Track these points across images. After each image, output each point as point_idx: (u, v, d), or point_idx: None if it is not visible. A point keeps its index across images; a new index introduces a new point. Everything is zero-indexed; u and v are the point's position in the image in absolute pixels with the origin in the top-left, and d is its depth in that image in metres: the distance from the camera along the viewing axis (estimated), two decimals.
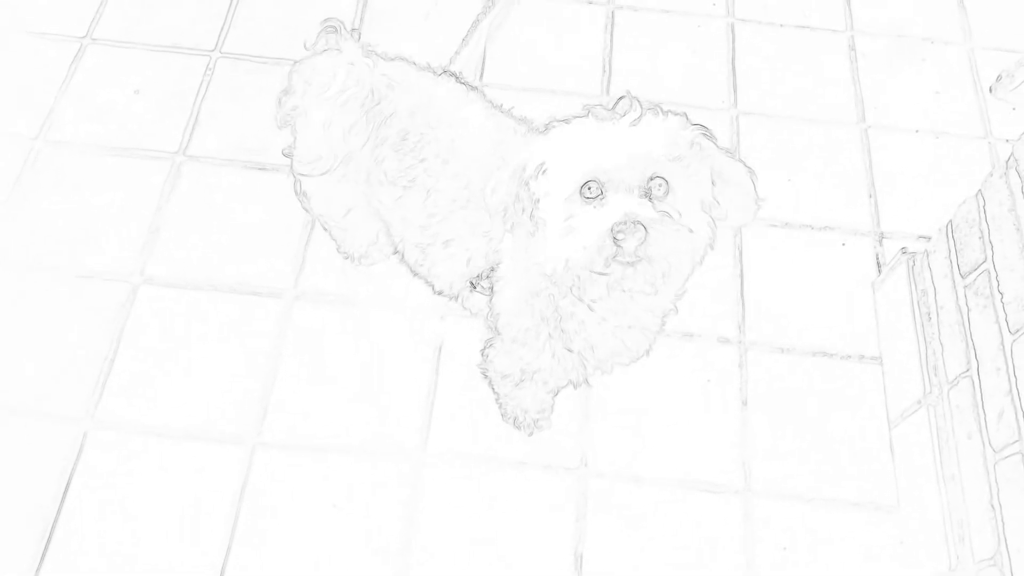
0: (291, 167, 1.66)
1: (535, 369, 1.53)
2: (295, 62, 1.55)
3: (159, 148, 2.17)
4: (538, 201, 1.20)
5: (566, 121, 1.22)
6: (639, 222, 1.08)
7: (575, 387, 1.62)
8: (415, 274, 1.66)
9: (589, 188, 1.14)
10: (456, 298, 1.62)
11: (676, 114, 1.20)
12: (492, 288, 1.48)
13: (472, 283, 1.50)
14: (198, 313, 1.95)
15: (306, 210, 1.77)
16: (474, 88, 1.58)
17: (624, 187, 1.12)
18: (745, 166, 1.24)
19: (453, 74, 1.59)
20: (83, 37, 2.35)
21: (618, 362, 1.48)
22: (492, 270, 1.45)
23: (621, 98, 1.18)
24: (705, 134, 1.21)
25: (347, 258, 2.00)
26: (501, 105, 1.57)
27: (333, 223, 1.83)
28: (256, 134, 2.21)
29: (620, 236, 1.08)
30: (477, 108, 1.51)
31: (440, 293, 1.63)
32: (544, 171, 1.19)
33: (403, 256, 1.64)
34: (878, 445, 1.85)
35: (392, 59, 1.59)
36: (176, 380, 1.87)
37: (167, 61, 2.33)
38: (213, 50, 2.36)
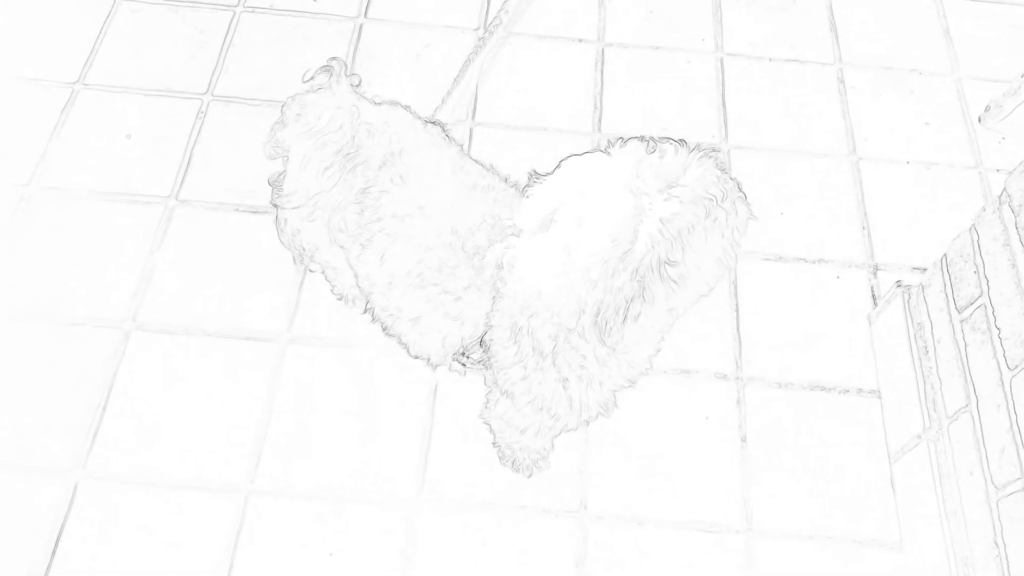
0: (271, 195, 1.64)
1: (562, 424, 1.48)
2: (292, 95, 1.55)
3: (151, 192, 2.17)
4: None
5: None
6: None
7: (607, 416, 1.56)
8: (387, 333, 1.56)
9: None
10: (435, 368, 1.53)
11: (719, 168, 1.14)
12: (487, 364, 1.40)
13: (458, 359, 1.45)
14: (191, 359, 1.93)
15: (282, 243, 1.71)
16: (452, 140, 1.54)
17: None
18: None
19: (439, 124, 1.57)
20: (75, 82, 2.35)
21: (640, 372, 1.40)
22: (481, 344, 1.38)
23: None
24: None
25: (340, 299, 1.99)
26: (468, 150, 1.54)
27: (321, 259, 1.77)
28: (249, 177, 2.20)
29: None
30: (445, 164, 1.44)
31: (416, 358, 1.54)
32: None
33: (373, 314, 1.55)
34: (879, 480, 1.84)
35: (380, 103, 1.58)
36: (169, 428, 1.84)
37: (159, 105, 2.33)
38: (205, 93, 2.36)
